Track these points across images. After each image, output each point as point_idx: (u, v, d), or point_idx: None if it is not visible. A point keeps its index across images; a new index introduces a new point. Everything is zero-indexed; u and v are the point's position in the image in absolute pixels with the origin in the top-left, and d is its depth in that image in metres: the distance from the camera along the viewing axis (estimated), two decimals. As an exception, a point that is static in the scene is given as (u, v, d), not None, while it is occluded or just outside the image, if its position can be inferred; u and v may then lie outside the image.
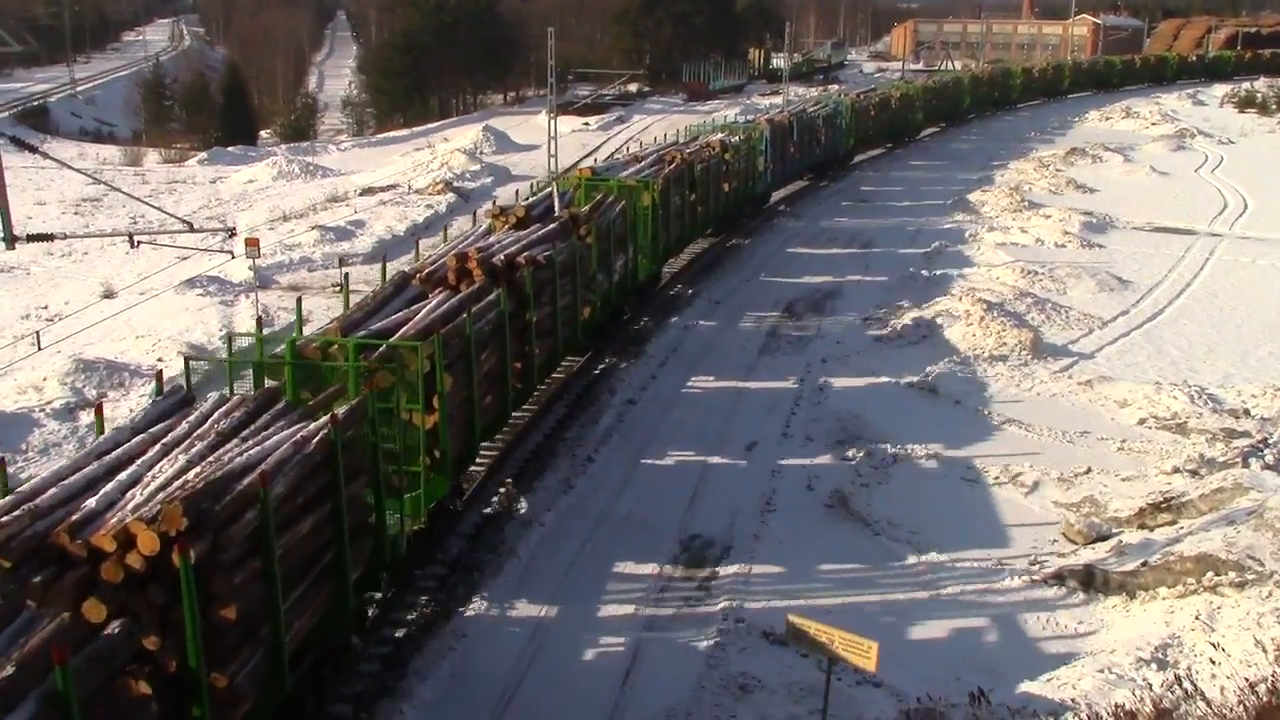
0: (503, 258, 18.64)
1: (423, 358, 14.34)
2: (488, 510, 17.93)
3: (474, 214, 24.98)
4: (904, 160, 59.18)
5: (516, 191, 29.09)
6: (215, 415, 11.94)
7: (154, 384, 13.79)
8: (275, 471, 10.73)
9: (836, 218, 43.03)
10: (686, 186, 31.09)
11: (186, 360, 14.69)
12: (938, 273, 33.41)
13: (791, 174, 45.92)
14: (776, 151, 41.78)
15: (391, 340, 14.79)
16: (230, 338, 14.90)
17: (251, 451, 11.02)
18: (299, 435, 11.59)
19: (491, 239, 20.61)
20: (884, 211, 44.24)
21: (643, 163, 30.66)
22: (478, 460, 18.26)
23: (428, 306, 16.21)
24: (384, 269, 21.24)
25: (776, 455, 20.51)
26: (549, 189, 25.04)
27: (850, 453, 20.41)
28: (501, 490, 18.33)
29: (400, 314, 16.03)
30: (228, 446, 11.22)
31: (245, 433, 11.65)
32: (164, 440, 11.29)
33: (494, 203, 23.12)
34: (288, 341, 14.56)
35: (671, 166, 30.00)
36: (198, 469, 10.52)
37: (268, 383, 14.15)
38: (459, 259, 18.13)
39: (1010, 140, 66.79)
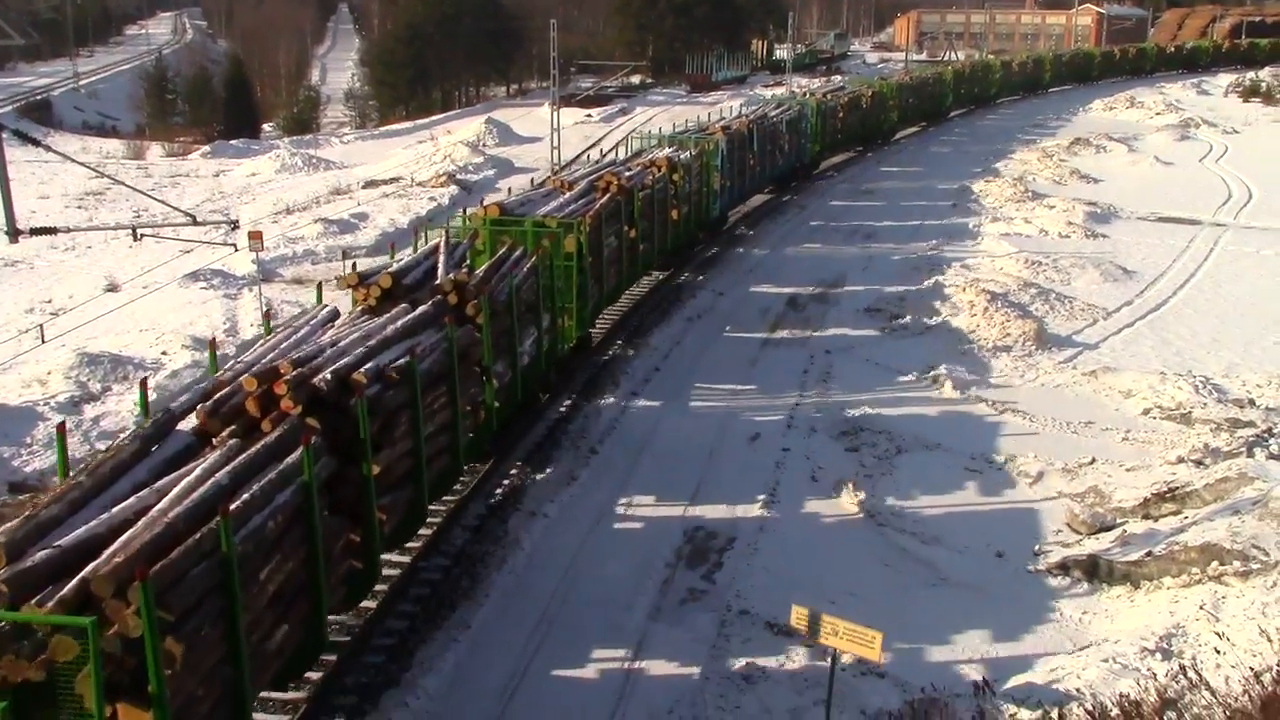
0: (329, 376, 12.25)
1: (104, 636, 8.24)
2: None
3: (318, 286, 18.30)
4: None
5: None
6: None
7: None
8: None
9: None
10: (624, 221, 25.07)
11: None
12: (936, 277, 33.39)
13: (751, 189, 40.26)
14: (734, 166, 36.34)
15: (50, 616, 8.29)
16: None
17: None
18: None
19: (328, 336, 14.24)
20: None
21: (570, 192, 24.49)
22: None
23: (180, 486, 10.04)
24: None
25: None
26: (436, 241, 18.86)
27: (853, 441, 20.45)
28: None
29: (128, 503, 9.80)
30: None
31: None
32: None
33: (351, 270, 16.75)
34: None
35: (605, 199, 24.04)
36: None
37: None
38: (262, 379, 11.91)
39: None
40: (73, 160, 31.65)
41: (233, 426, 11.66)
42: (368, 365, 12.95)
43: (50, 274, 33.50)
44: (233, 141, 67.39)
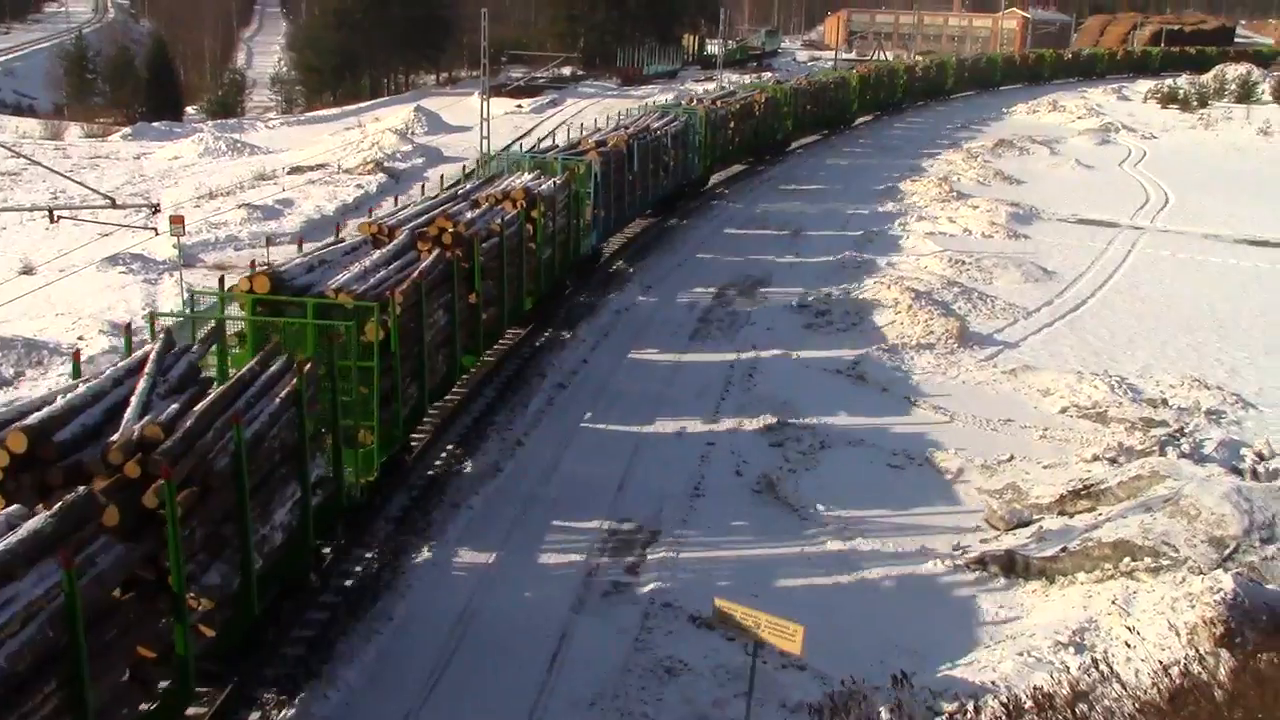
0: None
1: None
2: None
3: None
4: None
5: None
6: None
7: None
8: None
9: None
10: (460, 285, 18.56)
11: None
12: (866, 258, 33.69)
13: (632, 214, 34.53)
14: (611, 191, 30.47)
15: None
16: None
17: None
18: None
19: None
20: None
21: (384, 248, 17.75)
22: None
23: None
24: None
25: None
26: (146, 349, 11.58)
27: (777, 437, 20.57)
28: None
29: None
30: None
31: None
32: None
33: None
34: None
35: (431, 259, 17.52)
36: None
37: None
38: None
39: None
40: (-13, 139, 30.82)
41: None
42: None
43: (-38, 255, 32.58)
44: (155, 124, 66.01)
